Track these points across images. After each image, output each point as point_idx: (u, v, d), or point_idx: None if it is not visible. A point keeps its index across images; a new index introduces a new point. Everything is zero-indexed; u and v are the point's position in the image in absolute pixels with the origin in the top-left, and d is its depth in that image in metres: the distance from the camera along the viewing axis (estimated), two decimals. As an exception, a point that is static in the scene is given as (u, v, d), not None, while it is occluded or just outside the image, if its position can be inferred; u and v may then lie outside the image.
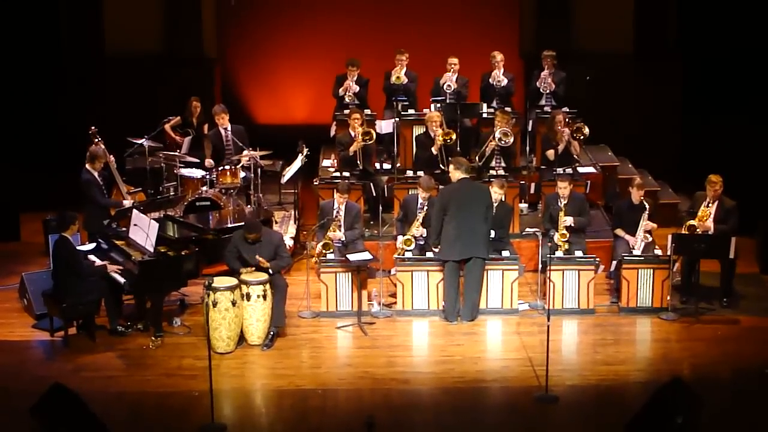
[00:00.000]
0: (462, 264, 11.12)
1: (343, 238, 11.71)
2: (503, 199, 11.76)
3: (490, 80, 14.23)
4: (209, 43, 16.46)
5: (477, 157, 13.19)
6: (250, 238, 10.61)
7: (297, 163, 13.27)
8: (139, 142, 13.65)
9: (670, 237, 11.25)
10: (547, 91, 14.31)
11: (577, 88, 14.53)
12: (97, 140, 12.35)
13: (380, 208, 12.32)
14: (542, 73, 14.32)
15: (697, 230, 11.33)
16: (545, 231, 11.76)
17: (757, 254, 12.62)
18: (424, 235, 11.59)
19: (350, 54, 14.61)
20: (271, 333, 10.57)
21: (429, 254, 11.42)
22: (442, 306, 11.32)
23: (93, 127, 12.55)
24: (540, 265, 11.48)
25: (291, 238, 13.03)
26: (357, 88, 14.33)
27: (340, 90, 14.42)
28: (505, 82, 14.22)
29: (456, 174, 11.23)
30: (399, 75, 14.20)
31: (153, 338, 10.61)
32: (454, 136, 12.93)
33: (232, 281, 10.42)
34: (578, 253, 11.47)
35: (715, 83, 14.83)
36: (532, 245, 12.11)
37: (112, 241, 11.23)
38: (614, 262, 11.60)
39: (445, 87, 14.13)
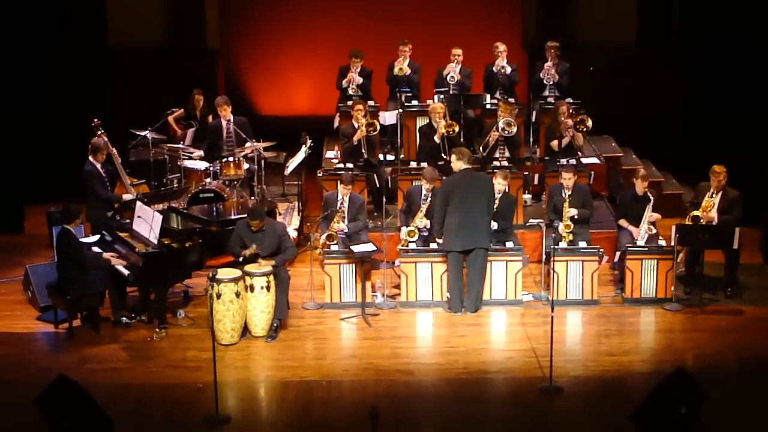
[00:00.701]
0: (465, 255, 11.13)
1: (347, 230, 11.71)
2: (507, 190, 11.76)
3: (494, 68, 14.22)
4: (212, 35, 16.42)
5: (481, 148, 13.17)
6: (253, 225, 10.60)
7: (301, 155, 13.26)
8: (143, 134, 13.64)
9: (673, 228, 11.23)
10: (551, 83, 14.29)
11: (580, 79, 14.51)
12: (99, 132, 12.33)
13: (384, 199, 12.34)
14: (546, 64, 14.29)
15: (701, 221, 11.32)
16: (549, 222, 11.75)
17: (761, 245, 12.60)
18: (428, 227, 11.58)
19: (353, 45, 14.58)
20: (275, 324, 10.58)
21: (433, 245, 11.42)
22: (446, 297, 11.33)
23: (95, 119, 12.54)
24: (544, 256, 11.47)
25: (295, 229, 13.02)
26: (360, 80, 14.32)
27: (344, 81, 14.40)
28: (509, 70, 14.20)
29: (458, 164, 11.21)
30: (402, 66, 14.19)
31: (157, 330, 10.61)
32: (457, 129, 12.92)
33: (236, 273, 10.42)
34: (582, 244, 11.47)
35: (718, 73, 14.79)
36: (536, 236, 12.11)
37: (116, 232, 11.23)
38: (618, 253, 11.61)
39: (448, 78, 14.11)
